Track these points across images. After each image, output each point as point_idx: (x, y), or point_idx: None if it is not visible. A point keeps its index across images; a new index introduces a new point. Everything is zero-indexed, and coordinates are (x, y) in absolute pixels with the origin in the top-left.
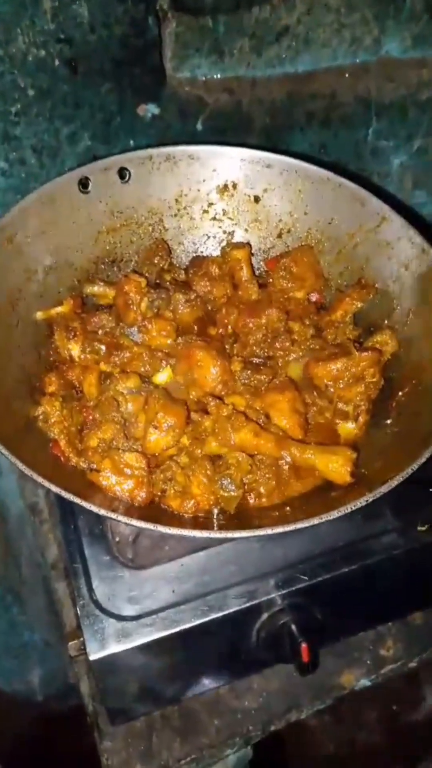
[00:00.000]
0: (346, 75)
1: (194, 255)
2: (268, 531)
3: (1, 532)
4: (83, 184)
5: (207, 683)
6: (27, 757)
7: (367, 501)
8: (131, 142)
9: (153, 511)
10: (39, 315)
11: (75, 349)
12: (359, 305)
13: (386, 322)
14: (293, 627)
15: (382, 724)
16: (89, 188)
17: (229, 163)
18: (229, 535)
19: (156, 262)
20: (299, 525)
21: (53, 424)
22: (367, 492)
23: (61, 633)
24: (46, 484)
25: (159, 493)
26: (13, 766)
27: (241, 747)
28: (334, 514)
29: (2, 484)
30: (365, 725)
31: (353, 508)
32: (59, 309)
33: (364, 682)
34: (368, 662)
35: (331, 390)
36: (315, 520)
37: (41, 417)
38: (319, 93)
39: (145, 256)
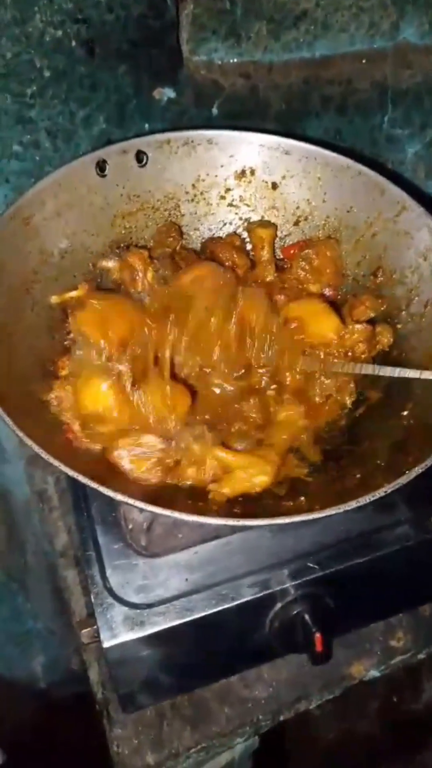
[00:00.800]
0: (363, 61)
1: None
2: (286, 520)
3: (6, 519)
4: (100, 167)
5: (219, 672)
6: (29, 744)
7: (385, 492)
8: (146, 126)
9: (168, 496)
10: (54, 299)
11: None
12: (371, 314)
13: (403, 313)
14: (306, 617)
15: (382, 714)
16: (106, 171)
17: (247, 148)
18: (248, 523)
19: (169, 242)
20: (317, 515)
21: (66, 408)
22: (384, 483)
23: (64, 621)
24: (65, 468)
25: (172, 463)
26: (15, 753)
27: (250, 736)
28: (353, 504)
29: (8, 471)
30: (365, 715)
31: (371, 499)
32: (74, 293)
33: (374, 673)
34: (378, 653)
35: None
36: (332, 510)
37: (54, 401)
38: (336, 79)
39: (157, 239)
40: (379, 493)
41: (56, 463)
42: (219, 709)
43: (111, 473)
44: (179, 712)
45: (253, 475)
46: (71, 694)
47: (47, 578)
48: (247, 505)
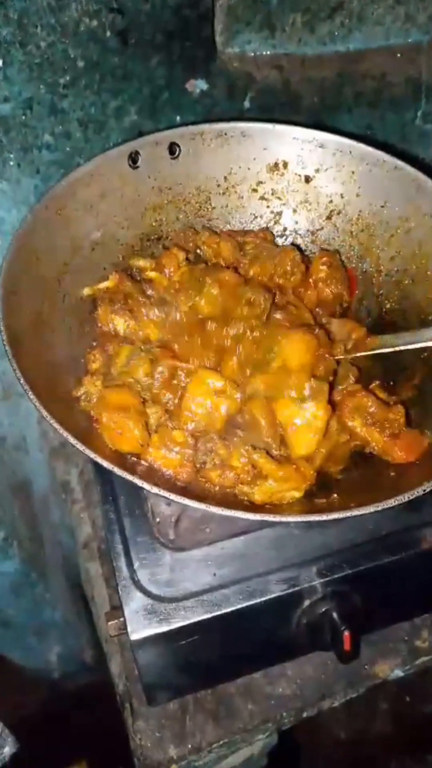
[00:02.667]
0: (398, 55)
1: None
2: (322, 517)
3: (26, 510)
4: (133, 158)
5: (244, 668)
6: (42, 732)
7: (424, 491)
8: (177, 118)
9: (196, 491)
10: (86, 291)
11: (119, 324)
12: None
13: None
14: (335, 615)
15: (395, 714)
16: (139, 163)
17: (280, 141)
18: (282, 519)
19: (189, 246)
20: (351, 513)
21: (95, 404)
22: (423, 481)
23: (80, 612)
24: (99, 459)
25: (199, 465)
26: (28, 741)
27: (272, 732)
28: (391, 503)
29: (28, 462)
30: (377, 714)
31: (410, 498)
32: (105, 284)
33: (398, 673)
34: (403, 653)
35: None
36: (370, 509)
37: (83, 397)
38: (370, 73)
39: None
40: (418, 492)
41: (90, 453)
42: (242, 704)
43: (140, 467)
44: (202, 706)
45: (287, 489)
46: (84, 684)
47: (65, 570)
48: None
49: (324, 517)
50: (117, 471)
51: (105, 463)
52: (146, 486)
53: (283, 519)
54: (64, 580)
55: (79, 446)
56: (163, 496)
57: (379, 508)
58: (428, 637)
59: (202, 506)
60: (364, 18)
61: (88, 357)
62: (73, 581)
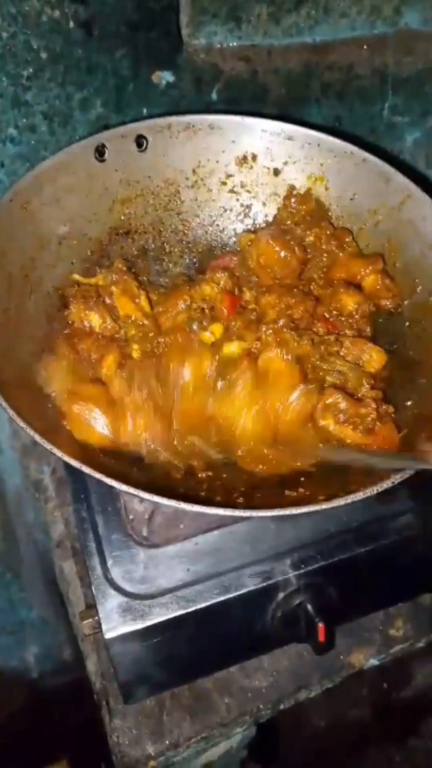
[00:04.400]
0: (364, 47)
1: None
2: (293, 511)
3: (0, 509)
4: (100, 151)
5: (221, 663)
6: (22, 732)
7: (393, 483)
8: (144, 110)
9: (170, 487)
10: (76, 277)
11: (95, 320)
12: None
13: (407, 302)
14: (309, 607)
15: (373, 701)
16: (105, 156)
17: (249, 134)
18: (253, 514)
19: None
20: (322, 506)
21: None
22: (392, 474)
23: (57, 611)
24: (67, 458)
25: None
26: (8, 741)
27: (250, 725)
28: (359, 496)
29: (0, 461)
30: (356, 701)
31: (378, 490)
32: (94, 280)
33: (373, 662)
34: (378, 642)
35: None
36: (339, 502)
37: (54, 394)
38: (336, 65)
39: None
40: (386, 484)
41: (57, 451)
42: (219, 698)
43: (110, 463)
44: (179, 702)
45: None
46: (63, 683)
47: (41, 568)
48: (249, 495)
49: (294, 511)
50: (85, 469)
51: (73, 462)
52: (114, 484)
53: (254, 514)
54: (40, 579)
55: (47, 445)
56: (133, 494)
57: (348, 501)
58: (402, 626)
59: (172, 503)
60: (330, 9)
61: (58, 352)
62: (49, 579)
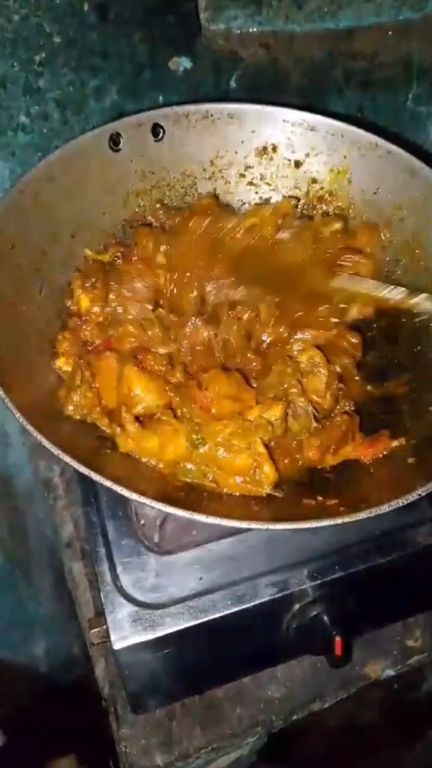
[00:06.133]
0: (389, 33)
1: None
2: (314, 524)
3: (9, 505)
4: (114, 140)
5: (233, 674)
6: (30, 726)
7: (419, 495)
8: (160, 98)
9: (184, 495)
10: (88, 252)
11: (85, 301)
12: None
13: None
14: (326, 619)
15: (384, 702)
16: (120, 145)
17: (270, 124)
18: (271, 527)
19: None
20: (344, 519)
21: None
22: (417, 485)
23: (66, 607)
24: (74, 464)
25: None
26: (16, 735)
27: (262, 736)
28: (384, 508)
29: (11, 456)
30: (367, 703)
31: (405, 503)
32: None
33: (389, 673)
34: (395, 653)
35: None
36: (362, 515)
37: (72, 408)
38: (360, 52)
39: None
40: (413, 496)
41: (68, 459)
42: (231, 709)
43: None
44: (189, 711)
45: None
46: (72, 678)
47: (50, 565)
48: (266, 503)
49: (314, 525)
50: (94, 476)
51: (81, 468)
52: (125, 493)
53: (271, 527)
54: (49, 576)
55: (54, 449)
56: (145, 504)
57: (373, 514)
58: (420, 636)
59: (186, 514)
60: None
61: (58, 338)
62: (59, 576)
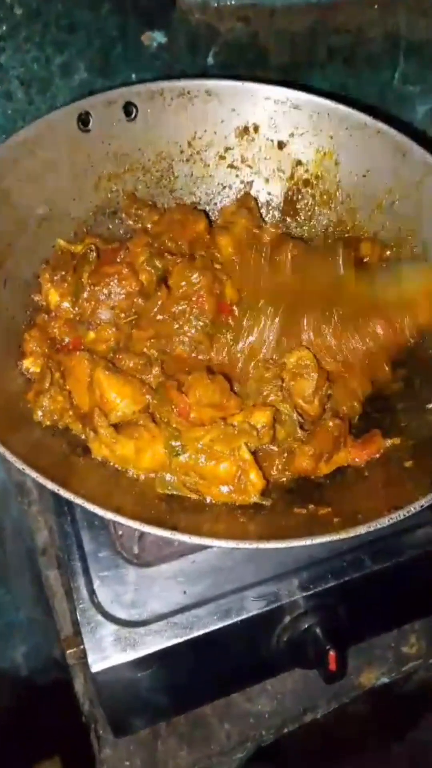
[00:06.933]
0: (375, 6)
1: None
2: (306, 542)
3: None
4: (83, 120)
5: (220, 692)
6: (13, 729)
7: (421, 506)
8: (133, 75)
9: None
10: (61, 242)
11: (54, 296)
12: None
13: None
14: (318, 631)
15: (372, 696)
16: (90, 126)
17: (251, 102)
18: (262, 545)
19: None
20: (342, 535)
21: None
22: (418, 495)
23: (45, 609)
24: (41, 479)
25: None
26: None
27: (251, 751)
28: (385, 522)
29: None
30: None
31: (406, 515)
32: (75, 248)
33: (384, 680)
34: (390, 660)
35: None
36: (361, 529)
37: (42, 412)
38: (344, 27)
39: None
40: (415, 507)
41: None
42: (218, 725)
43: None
44: (175, 729)
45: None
46: (53, 680)
47: (28, 568)
48: (254, 513)
49: (306, 542)
50: (63, 494)
51: (50, 484)
52: (98, 511)
53: (260, 545)
54: (28, 579)
55: (18, 463)
56: (122, 523)
57: (372, 528)
58: (416, 643)
59: (166, 534)
60: None
61: (24, 337)
62: (38, 579)
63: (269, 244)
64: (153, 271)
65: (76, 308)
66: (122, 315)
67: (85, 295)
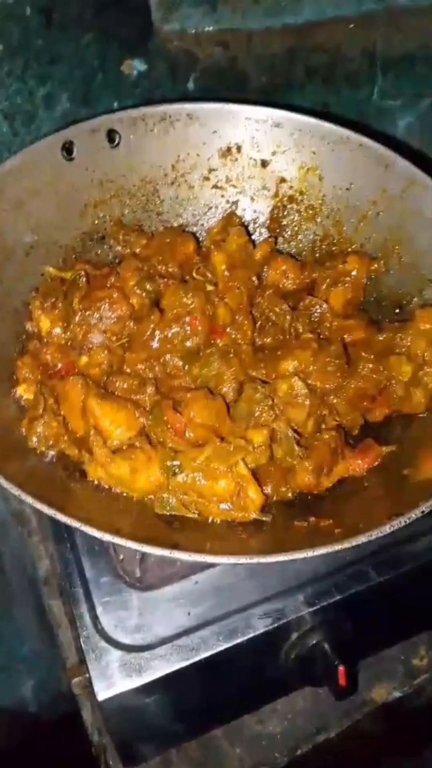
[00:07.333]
0: (351, 26)
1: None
2: (308, 554)
3: None
4: (67, 149)
5: (230, 714)
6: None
7: (422, 512)
8: (115, 104)
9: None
10: (50, 270)
11: (44, 324)
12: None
13: (416, 299)
14: (326, 647)
15: (385, 712)
16: (74, 154)
17: (232, 122)
18: (263, 560)
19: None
20: (345, 545)
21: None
22: (419, 501)
23: (51, 641)
24: (38, 504)
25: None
26: None
27: None
28: (386, 529)
29: None
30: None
31: (407, 521)
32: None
33: (397, 695)
34: (400, 673)
35: None
36: (363, 538)
37: (36, 439)
38: (322, 47)
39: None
40: (415, 514)
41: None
42: (230, 748)
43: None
44: (186, 755)
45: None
46: (61, 712)
47: (31, 600)
48: (254, 529)
49: (309, 554)
50: (60, 517)
51: (47, 509)
52: (96, 533)
53: (262, 560)
54: (32, 610)
55: (14, 490)
56: (118, 543)
57: (373, 537)
58: (426, 654)
59: (164, 552)
60: None
61: (17, 364)
62: (41, 610)
63: (261, 261)
64: (144, 294)
65: (68, 333)
66: (114, 338)
67: (77, 319)
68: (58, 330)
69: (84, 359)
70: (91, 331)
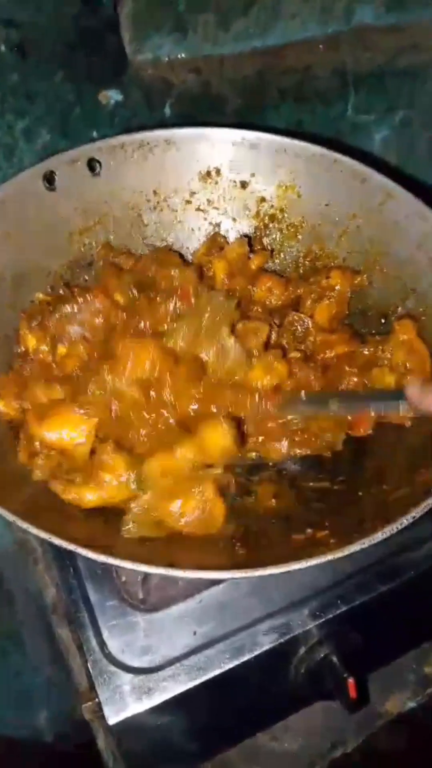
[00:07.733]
0: (320, 47)
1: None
2: (303, 564)
3: None
4: (49, 179)
5: (243, 732)
6: None
7: (413, 517)
8: (94, 133)
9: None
10: (40, 296)
11: (32, 341)
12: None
13: (400, 308)
14: (335, 659)
15: (404, 726)
16: (55, 184)
17: (208, 146)
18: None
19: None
20: (337, 554)
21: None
22: (411, 507)
23: (64, 670)
24: (36, 531)
25: None
26: None
27: None
28: (378, 537)
29: None
30: (390, 730)
31: (400, 527)
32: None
33: (411, 705)
34: (412, 682)
35: None
36: (356, 546)
37: (37, 468)
38: (292, 68)
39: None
40: (407, 519)
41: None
42: None
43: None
44: None
45: None
46: (78, 744)
47: (42, 629)
48: (252, 543)
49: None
50: (55, 541)
51: (43, 534)
52: (91, 555)
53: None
54: (43, 640)
55: (10, 517)
56: (115, 564)
57: (366, 544)
58: None
59: (160, 571)
60: (280, 11)
61: (1, 380)
62: (52, 638)
63: (255, 272)
64: (129, 294)
65: (48, 339)
66: (95, 328)
67: (57, 316)
68: (44, 347)
69: (62, 349)
70: (69, 322)
